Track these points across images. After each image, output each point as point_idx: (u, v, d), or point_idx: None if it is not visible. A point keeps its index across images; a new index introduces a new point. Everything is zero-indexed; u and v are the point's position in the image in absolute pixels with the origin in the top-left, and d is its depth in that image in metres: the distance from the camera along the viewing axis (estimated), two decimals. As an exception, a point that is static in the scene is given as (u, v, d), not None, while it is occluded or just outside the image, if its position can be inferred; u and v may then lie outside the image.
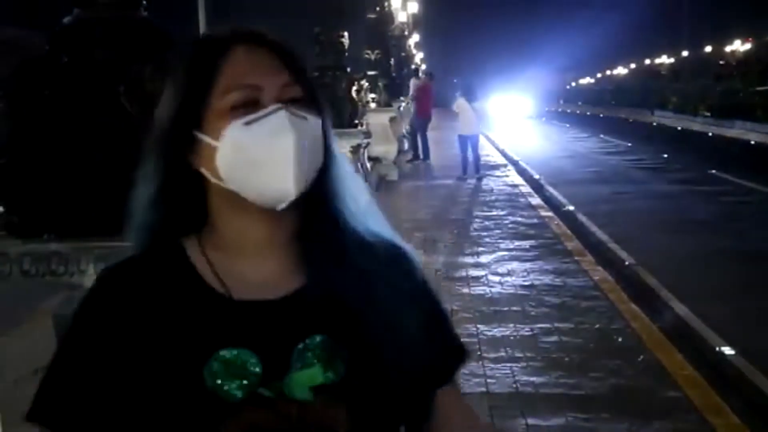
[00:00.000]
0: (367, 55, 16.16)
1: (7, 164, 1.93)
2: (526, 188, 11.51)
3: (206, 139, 0.84)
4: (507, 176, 13.00)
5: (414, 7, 27.87)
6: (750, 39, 46.99)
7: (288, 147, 0.81)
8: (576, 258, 6.78)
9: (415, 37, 32.71)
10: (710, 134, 23.90)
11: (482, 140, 14.39)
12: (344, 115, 8.67)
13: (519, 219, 8.81)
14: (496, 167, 14.22)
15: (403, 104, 17.51)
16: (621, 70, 73.90)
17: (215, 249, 0.86)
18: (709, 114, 26.90)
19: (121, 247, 1.85)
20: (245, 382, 0.80)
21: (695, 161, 15.18)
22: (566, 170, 14.47)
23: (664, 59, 60.85)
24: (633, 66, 71.09)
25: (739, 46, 48.20)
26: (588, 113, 43.58)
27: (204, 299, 0.84)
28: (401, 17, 23.89)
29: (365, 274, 0.86)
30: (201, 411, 0.80)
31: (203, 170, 0.85)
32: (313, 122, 0.85)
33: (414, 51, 32.35)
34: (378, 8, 18.40)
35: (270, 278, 0.85)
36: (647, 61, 67.03)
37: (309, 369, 0.81)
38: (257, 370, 0.80)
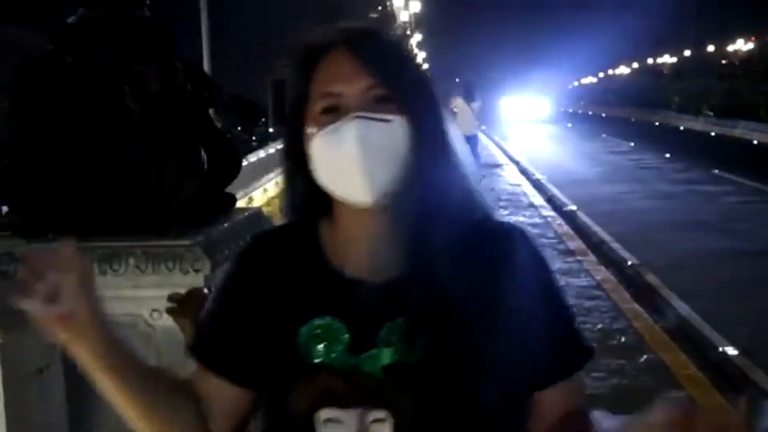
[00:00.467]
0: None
1: (12, 164, 1.93)
2: (528, 188, 11.50)
3: (306, 145, 0.91)
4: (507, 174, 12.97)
5: (416, 7, 27.87)
6: (753, 38, 46.91)
7: (352, 157, 0.85)
8: (578, 258, 6.78)
9: (417, 37, 32.69)
10: (713, 134, 23.86)
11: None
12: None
13: (521, 219, 8.81)
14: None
15: None
16: (623, 70, 73.79)
17: (336, 231, 0.95)
18: (711, 114, 26.86)
19: (125, 246, 1.86)
20: (330, 348, 0.88)
21: (698, 161, 15.15)
22: (571, 170, 14.45)
23: (667, 59, 60.76)
24: (635, 65, 70.99)
25: (741, 45, 48.11)
26: (590, 112, 43.47)
27: (319, 271, 0.93)
28: (403, 17, 23.88)
29: (468, 266, 0.89)
30: (287, 365, 0.89)
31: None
32: (398, 124, 0.87)
33: (416, 50, 32.35)
34: (380, 8, 18.41)
35: (376, 263, 0.91)
36: (650, 61, 66.94)
37: (387, 349, 0.86)
38: (345, 337, 0.88)
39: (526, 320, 0.88)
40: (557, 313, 0.93)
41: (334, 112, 0.88)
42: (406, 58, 0.93)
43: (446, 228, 0.89)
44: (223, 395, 0.96)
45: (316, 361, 0.88)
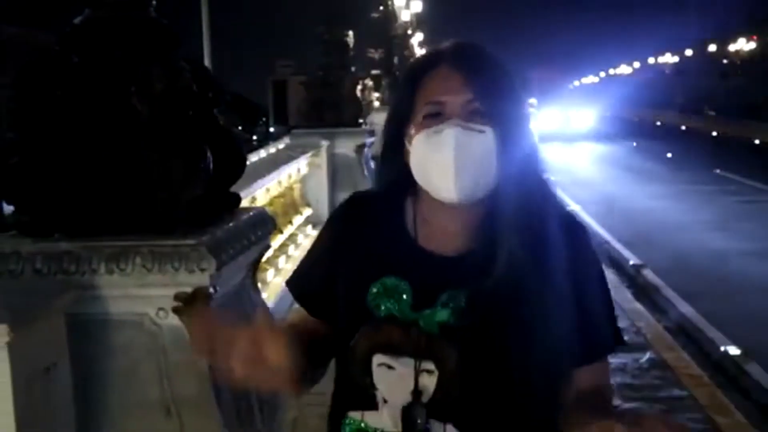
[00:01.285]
0: (370, 54, 16.18)
1: (18, 164, 1.94)
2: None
3: (407, 143, 1.06)
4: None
5: (417, 6, 27.86)
6: (755, 37, 46.85)
7: (447, 161, 0.99)
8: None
9: (418, 36, 32.70)
10: (715, 133, 23.85)
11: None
12: (348, 114, 8.67)
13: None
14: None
15: None
16: (625, 69, 73.64)
17: (418, 208, 1.11)
18: (713, 113, 26.83)
19: (132, 246, 1.87)
20: (395, 304, 1.01)
21: (700, 160, 15.14)
22: (570, 170, 14.45)
23: (668, 58, 60.63)
24: (637, 65, 70.86)
25: (743, 44, 48.05)
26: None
27: (398, 238, 1.08)
28: (404, 16, 23.88)
29: (532, 250, 1.01)
30: (356, 313, 1.03)
31: (407, 164, 1.07)
32: (491, 136, 1.01)
33: (417, 50, 32.34)
34: (381, 7, 18.41)
35: (450, 241, 1.06)
36: (651, 60, 66.82)
37: (444, 309, 1.00)
38: (408, 297, 1.01)
39: (576, 304, 1.01)
40: (602, 302, 1.07)
41: (436, 118, 1.02)
42: (503, 75, 1.06)
43: (515, 215, 1.01)
44: (307, 326, 1.10)
45: (383, 313, 1.01)
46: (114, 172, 1.95)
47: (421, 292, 1.01)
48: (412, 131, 1.04)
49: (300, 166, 6.83)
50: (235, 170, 2.27)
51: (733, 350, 4.39)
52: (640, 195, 10.98)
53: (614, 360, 4.17)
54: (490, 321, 0.99)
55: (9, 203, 2.06)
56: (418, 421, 0.97)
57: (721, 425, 3.44)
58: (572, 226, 1.08)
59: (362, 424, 1.01)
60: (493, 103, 1.01)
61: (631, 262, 6.63)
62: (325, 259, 1.13)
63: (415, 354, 0.98)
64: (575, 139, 23.73)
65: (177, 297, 1.86)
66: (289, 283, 1.18)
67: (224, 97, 2.32)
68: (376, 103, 13.21)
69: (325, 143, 7.63)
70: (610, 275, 6.12)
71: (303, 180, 7.09)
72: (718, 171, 13.19)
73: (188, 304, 1.87)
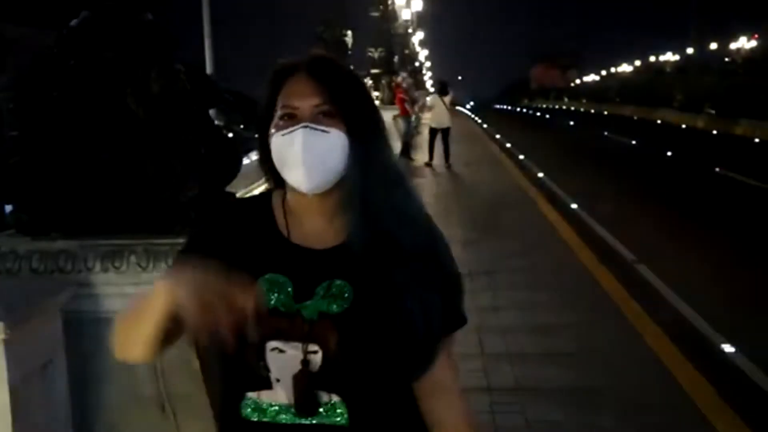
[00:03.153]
0: (370, 53, 16.17)
1: (17, 163, 1.97)
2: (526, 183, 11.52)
3: (270, 140, 1.18)
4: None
5: (418, 5, 27.85)
6: (756, 36, 46.78)
7: (297, 157, 1.14)
8: (580, 257, 6.80)
9: (419, 35, 32.64)
10: (715, 132, 23.84)
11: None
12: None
13: (523, 219, 8.84)
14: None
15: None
16: (626, 68, 73.53)
17: (287, 206, 1.22)
18: (714, 112, 26.81)
19: (127, 244, 1.89)
20: (278, 297, 1.13)
21: (700, 159, 15.15)
22: (566, 168, 14.46)
23: (669, 56, 60.53)
24: (638, 63, 70.76)
25: (744, 43, 47.97)
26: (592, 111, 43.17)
27: (271, 238, 1.19)
28: (405, 15, 23.86)
29: (388, 245, 1.16)
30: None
31: None
32: (335, 135, 1.15)
33: (418, 48, 32.28)
34: (381, 6, 18.40)
35: (320, 234, 1.19)
36: (652, 58, 66.73)
37: (322, 300, 1.14)
38: (289, 290, 1.14)
39: (426, 288, 1.17)
40: (451, 287, 1.23)
41: (291, 120, 1.16)
42: (352, 83, 1.21)
43: (362, 205, 1.17)
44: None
45: (270, 306, 1.13)
46: (110, 173, 1.97)
47: (299, 284, 1.15)
48: (272, 130, 1.17)
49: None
50: (230, 170, 2.29)
51: (730, 349, 4.42)
52: (640, 193, 11.03)
53: (612, 358, 4.19)
54: (362, 306, 1.15)
55: (8, 202, 2.09)
56: (305, 380, 1.12)
57: (717, 425, 3.46)
58: (429, 225, 1.23)
59: (260, 403, 1.15)
60: (340, 106, 1.17)
61: (629, 261, 6.66)
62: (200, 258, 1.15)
63: (301, 338, 1.13)
64: None
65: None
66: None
67: (222, 96, 2.34)
68: (377, 102, 13.24)
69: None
70: (609, 274, 6.15)
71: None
72: (718, 169, 13.22)
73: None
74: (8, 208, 2.13)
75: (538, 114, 41.18)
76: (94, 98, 2.00)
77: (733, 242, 7.55)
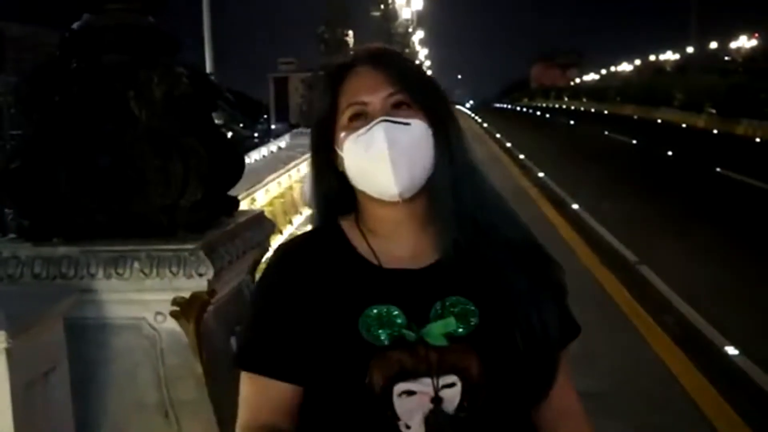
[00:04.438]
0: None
1: (19, 168, 1.95)
2: (528, 185, 11.50)
3: (338, 150, 1.05)
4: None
5: (418, 4, 27.84)
6: (756, 35, 46.76)
7: (382, 155, 0.99)
8: (581, 258, 6.79)
9: (419, 34, 32.65)
10: (716, 132, 23.82)
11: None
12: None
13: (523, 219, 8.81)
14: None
15: None
16: (626, 67, 73.52)
17: (366, 229, 1.07)
18: (714, 111, 26.78)
19: (130, 250, 1.88)
20: (391, 330, 0.98)
21: (700, 159, 15.13)
22: (566, 167, 14.44)
23: (669, 55, 60.52)
24: (638, 62, 70.75)
25: (744, 42, 47.95)
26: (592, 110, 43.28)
27: (359, 268, 1.04)
28: (405, 14, 23.85)
29: (492, 247, 1.03)
30: (355, 353, 0.98)
31: (343, 172, 1.06)
32: (416, 126, 1.02)
33: (418, 47, 32.28)
34: (382, 6, 18.39)
35: (411, 253, 1.05)
36: (652, 57, 66.71)
37: (444, 320, 0.98)
38: (400, 321, 0.99)
39: (543, 292, 1.04)
40: (561, 289, 1.10)
41: (362, 119, 1.02)
42: (419, 70, 1.08)
43: (476, 218, 1.04)
44: (273, 395, 1.04)
45: (386, 341, 0.98)
46: (113, 177, 1.96)
47: (409, 310, 0.99)
48: (341, 136, 1.04)
49: (300, 166, 6.84)
50: (233, 174, 2.28)
51: (732, 351, 4.41)
52: (640, 193, 11.03)
53: (614, 360, 4.17)
54: (492, 323, 1.00)
55: (9, 207, 2.08)
56: (440, 422, 0.96)
57: (718, 426, 3.46)
58: (531, 236, 1.10)
59: None
60: (413, 94, 1.03)
61: (631, 262, 6.65)
62: (281, 322, 1.03)
63: (430, 372, 0.96)
64: None
65: (175, 302, 1.87)
66: (248, 360, 1.05)
67: (223, 98, 2.33)
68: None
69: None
70: (611, 275, 6.13)
71: (303, 179, 7.11)
72: (718, 169, 13.20)
73: (186, 309, 1.88)
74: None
75: (539, 113, 41.29)
76: (97, 102, 1.98)
77: (734, 242, 7.53)
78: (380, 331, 0.98)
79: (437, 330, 0.98)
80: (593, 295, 5.59)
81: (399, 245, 1.05)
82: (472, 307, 1.00)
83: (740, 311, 5.24)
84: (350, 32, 9.06)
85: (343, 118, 1.04)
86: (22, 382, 1.60)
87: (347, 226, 1.08)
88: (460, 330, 0.98)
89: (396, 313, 0.99)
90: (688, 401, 3.76)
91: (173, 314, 1.88)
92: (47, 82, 1.98)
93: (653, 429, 3.48)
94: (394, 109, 1.02)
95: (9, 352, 1.53)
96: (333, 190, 1.08)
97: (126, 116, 1.97)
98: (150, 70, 1.98)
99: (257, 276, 2.64)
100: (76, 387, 1.81)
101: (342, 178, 1.06)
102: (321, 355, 1.00)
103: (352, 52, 1.11)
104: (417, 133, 1.01)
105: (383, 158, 0.99)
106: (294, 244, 1.10)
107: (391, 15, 19.46)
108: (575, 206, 9.68)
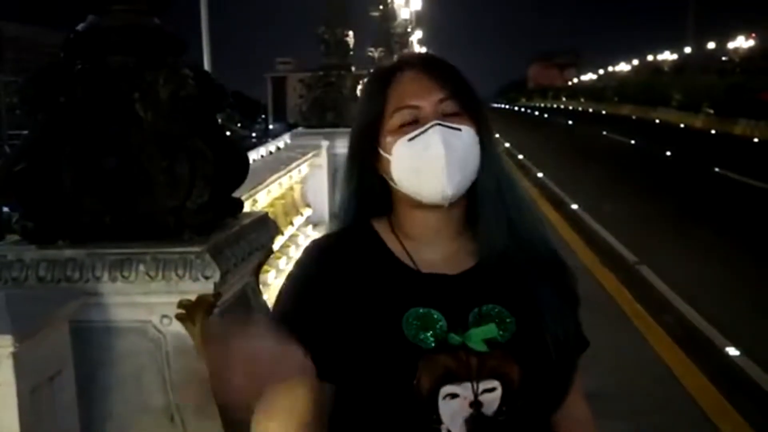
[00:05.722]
0: (370, 53, 16.15)
1: (24, 170, 1.94)
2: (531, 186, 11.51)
3: (383, 153, 1.05)
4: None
5: (417, 4, 27.83)
6: (754, 35, 46.84)
7: (439, 158, 1.00)
8: (581, 258, 6.79)
9: (417, 34, 32.67)
10: (713, 132, 23.86)
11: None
12: (349, 114, 8.67)
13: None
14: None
15: None
16: (624, 67, 73.59)
17: (401, 233, 1.07)
18: (712, 111, 26.82)
19: (135, 253, 1.87)
20: (435, 333, 0.98)
21: (699, 159, 15.15)
22: (565, 167, 14.45)
23: (667, 55, 60.58)
24: (636, 62, 70.81)
25: (742, 42, 48.03)
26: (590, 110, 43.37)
27: (396, 271, 1.04)
28: (404, 14, 23.85)
29: (524, 253, 1.05)
30: (403, 354, 0.98)
31: (384, 176, 1.06)
32: (467, 132, 1.03)
33: (417, 47, 32.30)
34: (381, 6, 18.39)
35: (448, 258, 1.06)
36: (650, 57, 66.78)
37: (485, 326, 1.00)
38: (441, 324, 0.99)
39: (565, 303, 1.06)
40: (577, 302, 1.11)
41: (413, 123, 1.03)
42: (464, 77, 1.08)
43: (513, 224, 1.05)
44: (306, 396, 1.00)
45: (432, 344, 0.98)
46: (119, 179, 1.95)
47: (449, 315, 1.00)
48: (388, 139, 1.04)
49: (300, 167, 6.83)
50: (238, 176, 2.27)
51: (733, 351, 4.41)
52: (639, 193, 11.04)
53: (615, 360, 4.18)
54: (529, 329, 1.01)
55: (14, 209, 2.06)
56: (482, 426, 0.97)
57: (720, 426, 3.46)
58: (553, 247, 1.11)
59: None
60: (463, 101, 1.05)
61: (631, 262, 6.65)
62: (319, 316, 1.01)
63: (470, 376, 0.98)
64: None
65: (181, 304, 1.87)
66: None
67: (228, 101, 2.32)
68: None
69: (325, 143, 7.64)
70: (611, 275, 6.14)
71: (303, 180, 7.09)
72: (717, 169, 13.21)
73: (192, 311, 1.87)
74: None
75: (536, 113, 41.29)
76: (102, 103, 1.98)
77: (733, 242, 7.54)
78: (426, 333, 0.98)
79: (479, 335, 0.99)
80: (593, 295, 5.60)
81: (433, 250, 1.06)
82: (509, 315, 1.01)
83: (740, 311, 5.25)
84: (350, 33, 9.05)
85: (392, 122, 1.04)
86: (29, 386, 1.59)
87: (381, 228, 1.08)
88: (501, 336, 0.99)
89: (437, 316, 1.00)
90: (689, 401, 3.76)
91: (179, 317, 1.88)
92: (52, 84, 1.97)
93: (654, 429, 3.49)
94: (445, 114, 1.03)
95: (16, 357, 1.52)
96: (369, 193, 1.08)
97: (132, 117, 1.96)
98: (156, 71, 1.97)
99: (261, 278, 2.64)
100: (82, 390, 1.80)
101: (380, 181, 1.06)
102: (363, 355, 0.98)
103: (396, 59, 1.11)
104: (467, 139, 1.03)
105: (439, 161, 0.99)
106: (329, 241, 1.09)
107: (390, 15, 19.44)
108: (574, 206, 9.69)
